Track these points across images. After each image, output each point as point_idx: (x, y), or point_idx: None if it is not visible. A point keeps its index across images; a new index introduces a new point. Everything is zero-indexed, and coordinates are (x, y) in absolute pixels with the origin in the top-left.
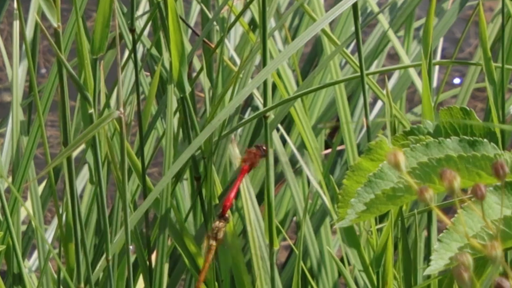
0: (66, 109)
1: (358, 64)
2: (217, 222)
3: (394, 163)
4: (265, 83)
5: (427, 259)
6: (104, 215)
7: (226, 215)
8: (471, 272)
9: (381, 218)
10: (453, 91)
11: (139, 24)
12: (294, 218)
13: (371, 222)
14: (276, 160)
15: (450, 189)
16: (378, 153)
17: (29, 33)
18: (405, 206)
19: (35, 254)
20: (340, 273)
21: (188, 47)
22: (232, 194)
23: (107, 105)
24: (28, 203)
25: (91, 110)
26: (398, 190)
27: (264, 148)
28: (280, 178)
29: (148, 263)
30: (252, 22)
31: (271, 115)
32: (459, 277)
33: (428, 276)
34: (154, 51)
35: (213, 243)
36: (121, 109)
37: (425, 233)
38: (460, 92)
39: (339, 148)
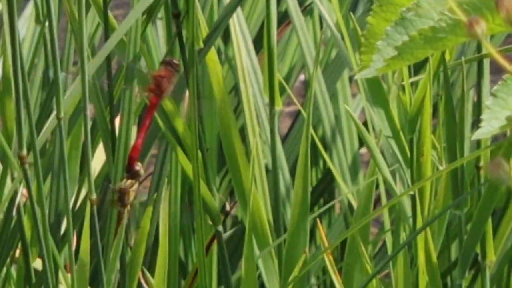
0: None
1: None
2: (123, 182)
3: None
4: None
5: (476, 124)
6: (55, 62)
7: (135, 169)
8: None
9: (417, 69)
10: None
11: None
12: (302, 77)
13: (403, 73)
14: None
15: (510, 22)
16: None
17: None
18: (449, 53)
19: None
20: (361, 142)
21: None
22: (139, 140)
23: None
24: None
25: None
26: (440, 30)
27: (176, 62)
28: (284, 19)
29: (110, 126)
30: None
31: None
32: None
33: (478, 143)
34: None
35: (121, 210)
36: None
37: (473, 94)
38: None
39: None
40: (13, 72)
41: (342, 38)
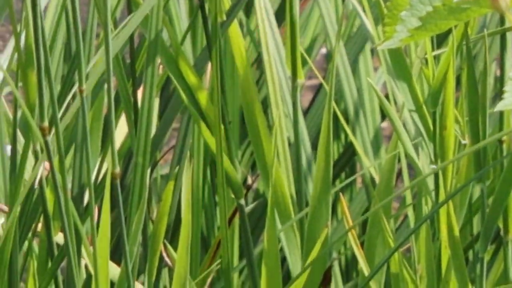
0: None
1: None
2: None
3: None
4: None
5: (498, 97)
6: (77, 34)
7: None
8: None
9: (440, 42)
10: None
11: None
12: (324, 50)
13: (426, 46)
14: None
15: None
16: None
17: None
18: (471, 26)
19: None
20: (383, 116)
21: None
22: None
23: None
24: None
25: None
26: (464, 1)
27: None
28: None
29: (132, 99)
30: None
31: None
32: None
33: (501, 115)
34: None
35: None
36: None
37: (495, 68)
38: None
39: None
40: (35, 43)
41: (364, 10)
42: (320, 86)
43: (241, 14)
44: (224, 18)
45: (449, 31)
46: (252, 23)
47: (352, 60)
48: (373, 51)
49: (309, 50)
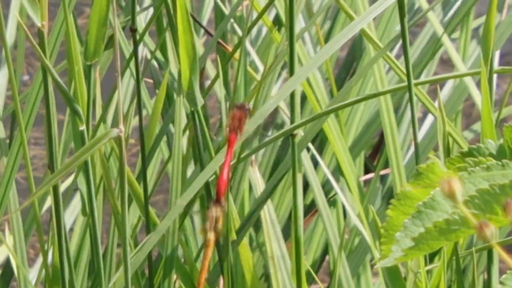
0: (53, 124)
1: (404, 71)
2: (213, 210)
3: (448, 192)
4: (292, 94)
5: None
6: (98, 253)
7: (222, 200)
8: None
9: (432, 257)
10: None
11: (141, 21)
12: (327, 258)
13: (419, 261)
14: (306, 187)
15: None
16: (429, 178)
17: (9, 33)
18: (461, 242)
19: None
20: None
21: (200, 50)
22: (225, 174)
23: (103, 120)
24: (9, 239)
25: (83, 127)
26: (453, 223)
27: (247, 107)
28: (311, 209)
29: None
30: (277, 20)
31: (300, 133)
32: None
33: None
34: (158, 54)
35: (211, 236)
36: (121, 126)
37: (484, 275)
38: None
39: (382, 172)
40: (60, 261)
41: (364, 227)
42: None
43: (250, 229)
44: (234, 236)
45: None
46: (260, 237)
47: (353, 271)
48: (372, 263)
49: (314, 259)
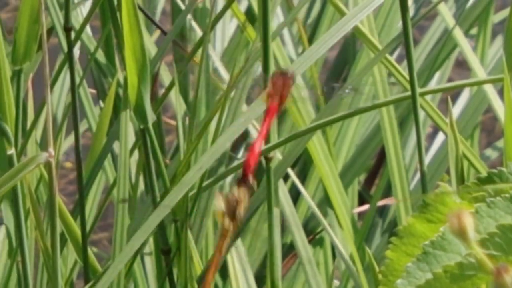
0: None
1: (407, 78)
2: (235, 190)
3: (458, 228)
4: None
5: None
6: None
7: (249, 179)
8: None
9: None
10: None
11: (79, 16)
12: None
13: None
14: (285, 224)
15: None
16: (438, 211)
17: None
18: None
19: None
20: None
21: (152, 51)
22: (257, 147)
23: (28, 140)
24: None
25: (11, 150)
26: (468, 267)
27: (292, 74)
28: (291, 251)
29: None
30: (249, 14)
31: (277, 156)
32: None
33: None
34: (101, 56)
35: (229, 224)
36: (50, 149)
37: None
38: None
39: (380, 203)
40: None
41: (358, 271)
42: None
43: (216, 277)
44: (195, 285)
45: None
46: (227, 286)
47: None
48: None
49: None
